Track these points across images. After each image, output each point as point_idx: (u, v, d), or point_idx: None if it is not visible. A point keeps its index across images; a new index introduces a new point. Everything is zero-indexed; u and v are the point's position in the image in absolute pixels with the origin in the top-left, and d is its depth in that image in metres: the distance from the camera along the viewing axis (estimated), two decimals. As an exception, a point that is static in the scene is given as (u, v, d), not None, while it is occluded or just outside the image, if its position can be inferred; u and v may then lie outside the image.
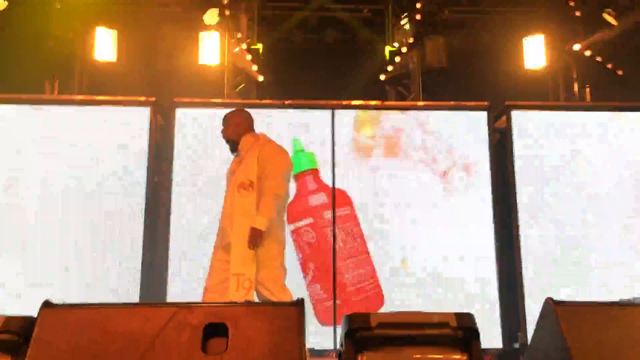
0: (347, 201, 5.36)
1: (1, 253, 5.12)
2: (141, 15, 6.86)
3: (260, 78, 6.74)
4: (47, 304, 1.92)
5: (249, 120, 4.00)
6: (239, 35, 6.98)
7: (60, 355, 1.84)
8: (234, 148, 3.95)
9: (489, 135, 5.59)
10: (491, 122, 5.63)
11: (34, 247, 5.14)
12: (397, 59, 6.84)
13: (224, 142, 4.01)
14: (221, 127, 3.97)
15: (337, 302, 5.12)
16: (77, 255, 5.14)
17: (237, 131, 3.93)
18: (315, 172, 5.38)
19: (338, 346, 2.17)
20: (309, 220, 5.28)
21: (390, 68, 6.89)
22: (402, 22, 7.14)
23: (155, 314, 1.88)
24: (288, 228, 5.21)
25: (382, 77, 6.87)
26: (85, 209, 5.22)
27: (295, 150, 5.37)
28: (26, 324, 1.92)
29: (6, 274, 5.05)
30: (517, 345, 5.14)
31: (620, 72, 6.68)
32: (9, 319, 1.91)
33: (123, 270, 5.13)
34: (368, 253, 5.29)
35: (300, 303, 2.03)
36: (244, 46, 6.83)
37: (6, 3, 6.00)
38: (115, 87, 6.43)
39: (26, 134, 5.37)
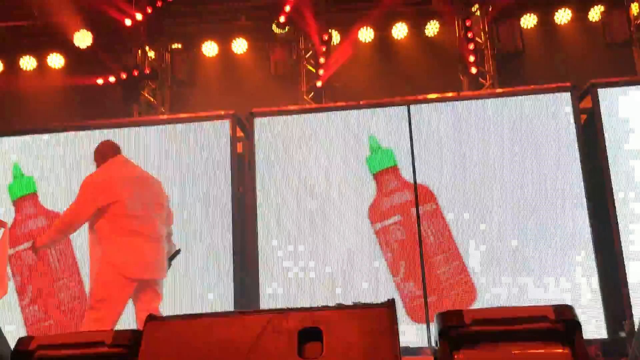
0: (431, 196, 5.29)
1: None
2: (211, 30, 7.09)
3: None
4: (151, 317, 2.02)
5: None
6: (308, 42, 7.07)
7: (166, 365, 1.93)
8: None
9: (575, 116, 5.35)
10: (576, 102, 5.39)
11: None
12: (471, 46, 6.69)
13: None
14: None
15: (433, 298, 5.06)
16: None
17: None
18: (395, 169, 5.35)
19: (432, 344, 2.15)
20: (397, 218, 5.26)
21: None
22: (473, 9, 6.98)
23: (252, 321, 1.94)
24: (373, 227, 5.23)
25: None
26: (182, 221, 5.44)
27: (372, 149, 5.36)
28: (134, 337, 2.03)
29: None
30: (623, 334, 4.89)
31: None
32: (118, 333, 2.03)
33: (215, 278, 5.31)
34: (457, 247, 5.20)
35: (391, 304, 2.03)
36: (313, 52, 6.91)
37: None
38: (193, 103, 6.69)
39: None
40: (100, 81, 6.77)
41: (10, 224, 5.61)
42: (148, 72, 6.75)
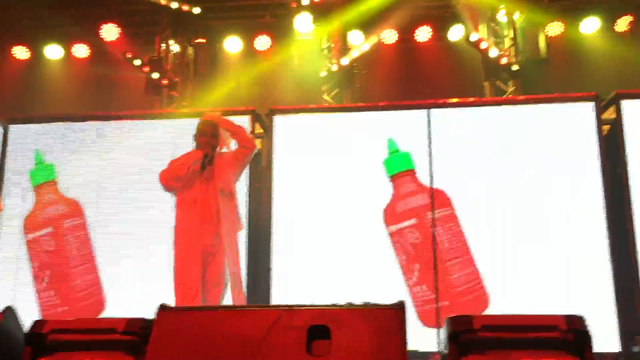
0: (447, 201, 5.27)
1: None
2: (235, 26, 7.13)
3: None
4: (163, 307, 2.05)
5: None
6: (331, 42, 7.07)
7: (176, 356, 1.96)
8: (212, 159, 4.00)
9: (598, 127, 5.28)
10: (599, 112, 5.33)
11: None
12: (494, 51, 6.64)
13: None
14: (205, 137, 4.00)
15: (445, 303, 5.04)
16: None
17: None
18: (412, 172, 5.34)
19: (442, 348, 2.15)
20: (413, 221, 5.24)
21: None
22: (498, 16, 6.93)
23: (262, 316, 1.95)
24: (388, 229, 5.22)
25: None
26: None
27: (390, 151, 5.36)
28: (145, 325, 2.06)
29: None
30: (636, 349, 4.83)
31: None
32: (131, 321, 2.06)
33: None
34: (471, 254, 5.17)
35: (401, 305, 2.03)
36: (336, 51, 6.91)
37: None
38: (215, 98, 6.74)
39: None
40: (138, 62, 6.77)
41: (30, 209, 5.71)
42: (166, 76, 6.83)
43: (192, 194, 3.88)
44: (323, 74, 6.77)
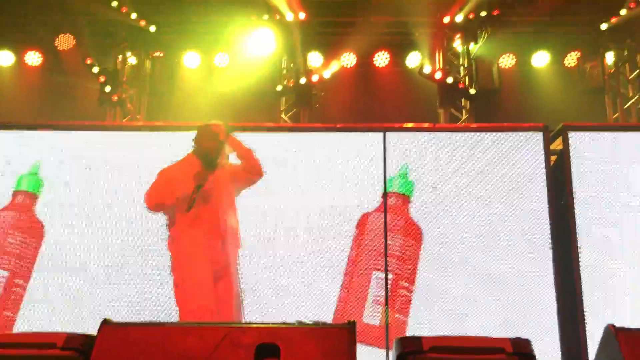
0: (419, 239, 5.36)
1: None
2: (194, 42, 7.10)
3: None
4: (106, 322, 1.98)
5: None
6: (290, 63, 7.13)
7: (118, 373, 1.89)
8: (214, 163, 3.82)
9: (546, 157, 5.46)
10: (547, 143, 5.50)
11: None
12: (450, 80, 6.81)
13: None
14: (214, 142, 3.88)
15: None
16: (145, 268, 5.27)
17: None
18: (405, 199, 5.41)
19: (390, 370, 2.14)
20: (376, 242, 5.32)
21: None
22: (454, 45, 7.14)
23: (209, 333, 1.91)
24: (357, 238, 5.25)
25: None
26: (152, 226, 5.37)
27: (400, 174, 5.42)
28: (86, 341, 1.99)
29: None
30: (578, 374, 4.95)
31: None
32: (71, 336, 1.98)
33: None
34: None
35: (351, 326, 2.02)
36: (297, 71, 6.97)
37: None
38: (171, 113, 6.68)
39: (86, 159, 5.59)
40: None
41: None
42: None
43: (193, 210, 3.66)
44: (279, 88, 6.79)
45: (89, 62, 6.68)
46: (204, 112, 6.56)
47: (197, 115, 6.34)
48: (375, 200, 5.40)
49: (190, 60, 7.10)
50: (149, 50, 7.11)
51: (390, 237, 5.27)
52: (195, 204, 3.60)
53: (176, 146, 5.58)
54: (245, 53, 7.04)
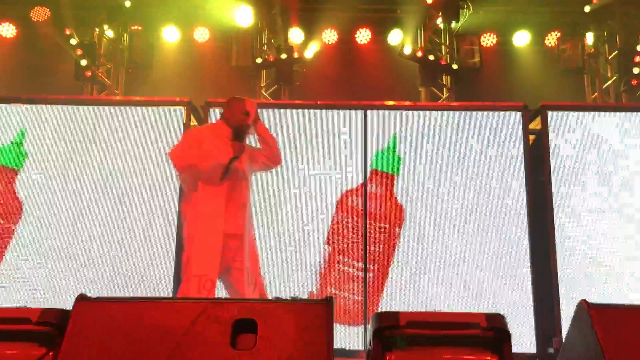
0: (401, 219, 5.38)
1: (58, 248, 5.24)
2: (174, 16, 6.98)
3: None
4: (81, 297, 1.96)
5: None
6: (272, 37, 7.04)
7: (93, 348, 1.88)
8: (243, 137, 3.73)
9: (524, 136, 5.50)
10: (526, 122, 5.54)
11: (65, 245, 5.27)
12: (431, 57, 6.79)
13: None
14: (248, 117, 3.72)
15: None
16: (108, 250, 5.25)
17: None
18: (391, 177, 5.39)
19: (368, 345, 2.16)
20: (357, 220, 5.32)
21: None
22: (437, 22, 7.10)
23: (187, 308, 1.91)
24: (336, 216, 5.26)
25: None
26: (115, 206, 5.34)
27: (388, 148, 5.40)
28: (62, 316, 1.97)
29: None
30: (551, 351, 5.05)
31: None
32: (46, 311, 1.96)
33: (156, 266, 5.23)
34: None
35: (329, 301, 2.03)
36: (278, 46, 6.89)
37: None
38: (149, 87, 6.58)
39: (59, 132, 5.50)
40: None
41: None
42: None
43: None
44: (259, 60, 6.71)
45: (68, 32, 6.52)
46: (183, 87, 6.48)
47: (175, 90, 6.26)
48: (360, 177, 5.42)
49: (169, 34, 6.98)
50: (127, 23, 6.96)
51: (354, 219, 5.29)
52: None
53: (154, 120, 5.55)
54: (225, 28, 6.94)
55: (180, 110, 5.57)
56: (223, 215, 3.52)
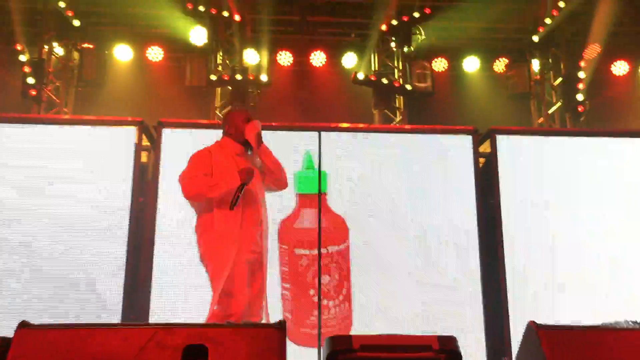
0: (345, 233, 5.39)
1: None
2: (127, 35, 6.91)
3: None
4: (23, 324, 1.88)
5: None
6: (226, 58, 7.04)
7: (36, 377, 1.80)
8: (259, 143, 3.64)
9: (475, 159, 5.62)
10: (476, 146, 5.67)
11: (15, 266, 5.07)
12: (385, 80, 6.91)
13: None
14: (258, 130, 3.63)
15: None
16: (56, 272, 5.07)
17: None
18: (323, 196, 5.37)
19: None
20: (313, 252, 5.28)
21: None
22: (392, 45, 7.25)
23: (134, 334, 1.85)
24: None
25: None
26: (69, 227, 5.17)
27: (307, 167, 5.36)
28: (2, 344, 1.88)
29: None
30: (502, 369, 5.12)
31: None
32: (-16, 339, 1.87)
33: (105, 290, 5.07)
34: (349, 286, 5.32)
35: (282, 326, 2.01)
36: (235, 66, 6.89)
37: None
38: (99, 107, 6.46)
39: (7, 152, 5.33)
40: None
41: None
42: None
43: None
44: (213, 77, 6.67)
45: (19, 47, 6.34)
46: (135, 107, 6.39)
47: (127, 110, 6.16)
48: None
49: (121, 53, 6.89)
50: (78, 41, 6.83)
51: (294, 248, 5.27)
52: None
53: (104, 140, 5.43)
54: (180, 47, 6.90)
55: (132, 130, 5.46)
56: (238, 234, 3.42)
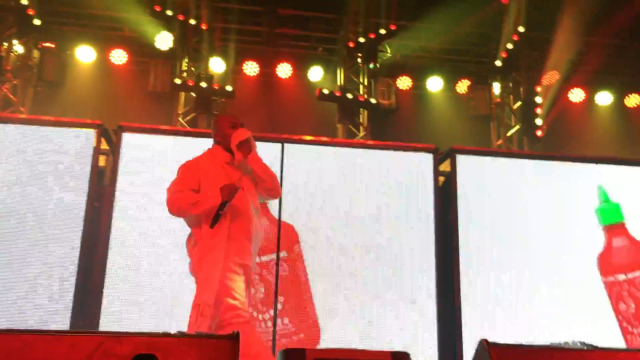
0: (295, 239, 5.35)
1: None
2: (91, 36, 6.79)
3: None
4: (-37, 329, 1.80)
5: None
6: (192, 65, 6.98)
7: (-26, 385, 1.72)
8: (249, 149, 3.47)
9: (435, 177, 5.70)
10: (436, 164, 5.75)
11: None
12: (349, 95, 6.96)
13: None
14: (249, 144, 3.46)
15: (301, 335, 5.06)
16: (7, 274, 4.90)
17: None
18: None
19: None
20: (283, 254, 5.22)
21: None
22: (358, 61, 7.32)
23: (82, 342, 1.79)
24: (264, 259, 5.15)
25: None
26: (20, 229, 5.01)
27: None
28: (-61, 350, 1.79)
29: None
30: (454, 386, 5.16)
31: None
32: None
33: (55, 295, 4.92)
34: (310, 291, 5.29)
35: (235, 337, 1.97)
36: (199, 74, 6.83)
37: None
38: (58, 107, 6.31)
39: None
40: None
41: None
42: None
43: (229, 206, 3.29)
44: (178, 81, 6.60)
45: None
46: (95, 109, 6.27)
47: (87, 112, 6.03)
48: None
49: (84, 54, 6.76)
50: (39, 40, 6.67)
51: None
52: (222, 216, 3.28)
53: (62, 142, 5.30)
54: (144, 52, 6.82)
55: (91, 133, 5.35)
56: (224, 248, 3.29)
